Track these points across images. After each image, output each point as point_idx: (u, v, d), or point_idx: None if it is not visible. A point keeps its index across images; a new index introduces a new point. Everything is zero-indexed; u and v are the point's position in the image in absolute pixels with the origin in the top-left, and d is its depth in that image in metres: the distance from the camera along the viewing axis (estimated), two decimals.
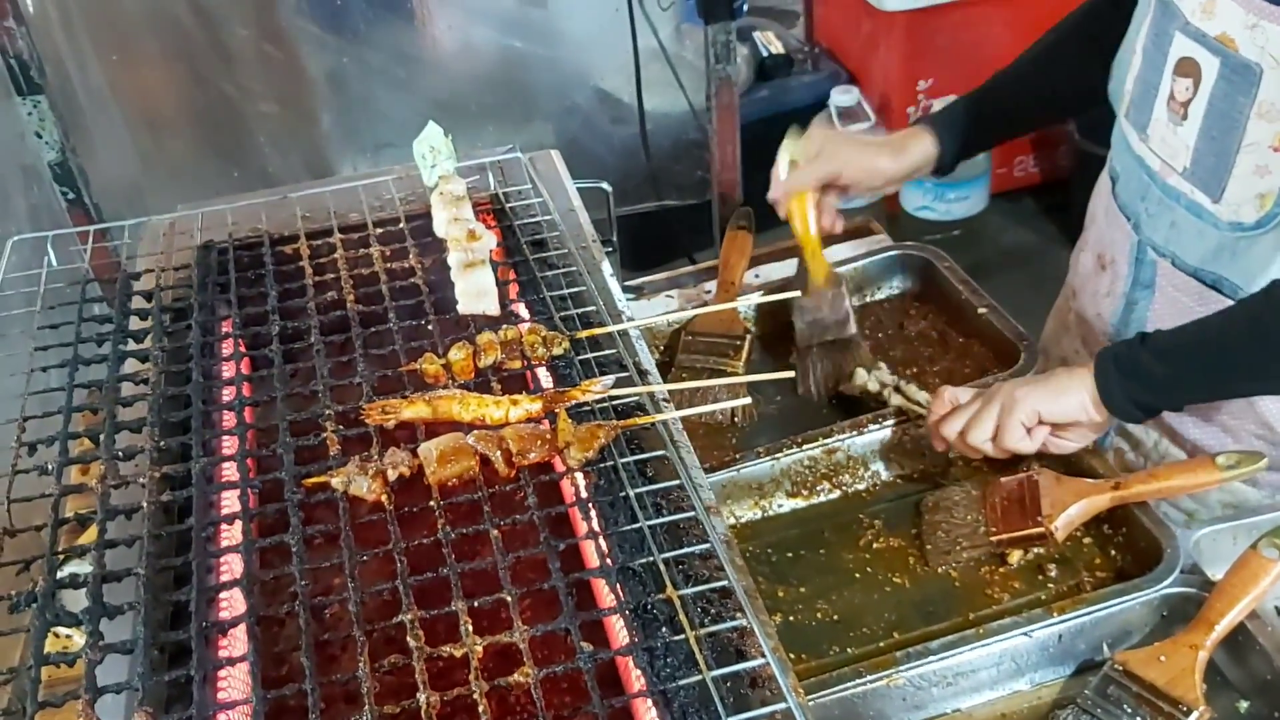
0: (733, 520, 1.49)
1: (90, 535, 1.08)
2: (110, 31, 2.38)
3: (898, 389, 1.56)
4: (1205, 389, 1.34)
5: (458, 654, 0.92)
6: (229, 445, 1.19)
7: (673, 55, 2.73)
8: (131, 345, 1.33)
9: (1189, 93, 1.26)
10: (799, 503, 1.51)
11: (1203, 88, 1.24)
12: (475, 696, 0.88)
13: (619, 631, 0.98)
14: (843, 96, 3.62)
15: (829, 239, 1.68)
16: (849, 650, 1.30)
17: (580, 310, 1.32)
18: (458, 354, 1.22)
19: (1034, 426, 1.35)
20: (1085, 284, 1.58)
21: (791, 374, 1.27)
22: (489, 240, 1.37)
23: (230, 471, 1.15)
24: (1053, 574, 1.36)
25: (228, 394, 1.25)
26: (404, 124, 1.49)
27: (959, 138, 1.60)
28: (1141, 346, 1.29)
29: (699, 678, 0.90)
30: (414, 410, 1.15)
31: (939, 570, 1.39)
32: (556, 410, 1.14)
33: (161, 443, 1.16)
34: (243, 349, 1.32)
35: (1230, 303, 1.30)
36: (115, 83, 2.43)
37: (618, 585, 0.99)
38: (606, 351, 1.27)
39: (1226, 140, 1.23)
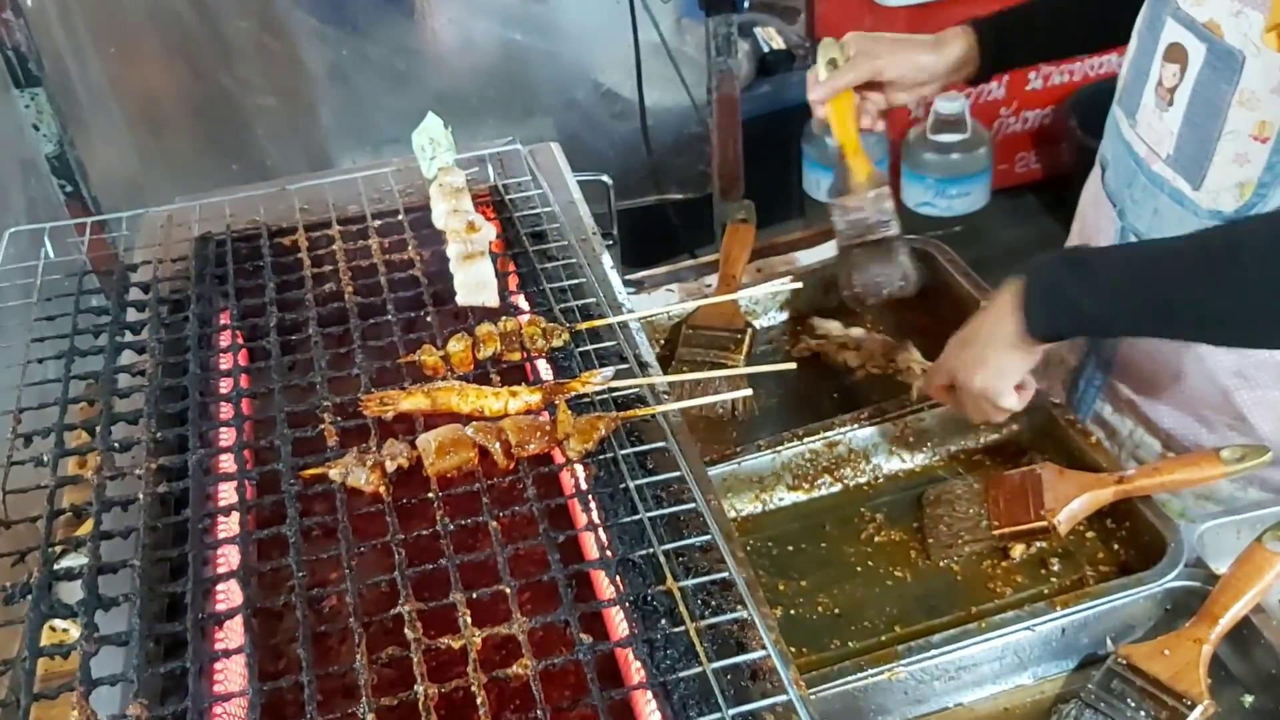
0: (733, 513, 1.48)
1: (86, 527, 1.07)
2: (109, 24, 2.38)
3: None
4: (1137, 324, 1.29)
5: (456, 645, 0.91)
6: (226, 437, 1.18)
7: (674, 50, 2.72)
8: (128, 337, 1.32)
9: (1176, 79, 1.26)
10: (800, 496, 1.50)
11: (1188, 74, 1.24)
12: (474, 689, 0.87)
13: (619, 624, 0.97)
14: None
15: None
16: (850, 644, 1.30)
17: (580, 302, 1.31)
18: (456, 345, 1.21)
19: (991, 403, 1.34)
20: None
21: (793, 365, 1.26)
22: (488, 232, 1.36)
23: (227, 463, 1.14)
24: (1055, 568, 1.35)
25: (225, 386, 1.24)
26: (404, 118, 1.48)
27: (1000, 43, 1.55)
28: (1070, 270, 1.22)
29: (699, 670, 0.89)
30: (412, 402, 1.14)
31: (941, 564, 1.38)
32: (556, 402, 1.13)
33: (158, 434, 1.15)
34: (240, 341, 1.31)
35: None
36: (114, 76, 2.42)
37: (617, 577, 0.98)
38: (606, 343, 1.26)
39: (1208, 127, 1.23)
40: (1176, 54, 1.26)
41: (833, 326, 1.70)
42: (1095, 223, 1.49)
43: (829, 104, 1.55)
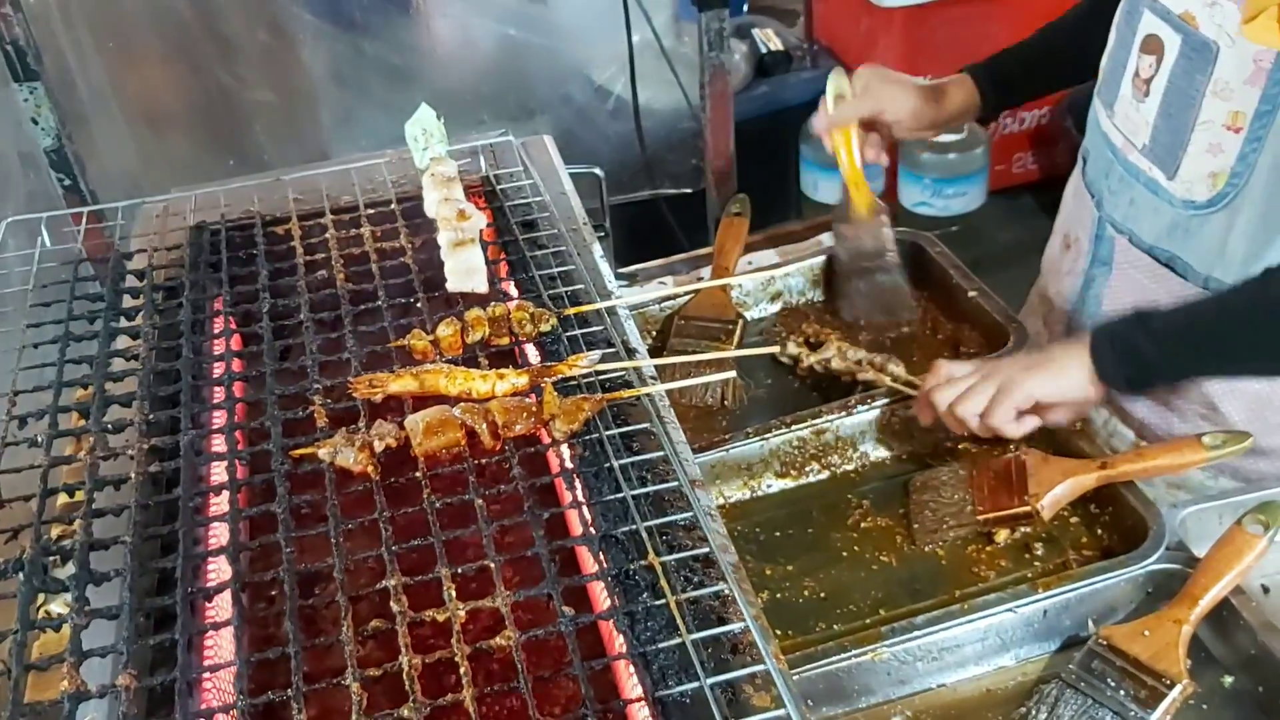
0: (722, 500, 1.49)
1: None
2: (108, 20, 2.40)
3: (879, 367, 1.56)
4: (1196, 369, 1.35)
5: (440, 619, 0.93)
6: (218, 418, 1.20)
7: (668, 49, 2.74)
8: (123, 322, 1.34)
9: (1152, 70, 1.28)
10: (788, 483, 1.52)
11: (1164, 64, 1.26)
12: (457, 659, 0.89)
13: (602, 598, 0.99)
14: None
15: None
16: (835, 627, 1.31)
17: (569, 289, 1.33)
18: (446, 330, 1.23)
19: (1026, 412, 1.35)
20: (1051, 265, 1.62)
21: (776, 349, 1.28)
22: (479, 220, 1.37)
23: (219, 444, 1.15)
24: (1039, 552, 1.36)
25: (217, 369, 1.26)
26: (400, 113, 1.50)
27: (998, 89, 1.62)
28: (1137, 325, 1.29)
29: (679, 641, 0.91)
30: (401, 384, 1.16)
31: (926, 549, 1.39)
32: (542, 384, 1.15)
33: (151, 416, 1.17)
34: (233, 326, 1.33)
35: (1184, 282, 1.33)
36: (112, 71, 2.44)
37: (600, 553, 0.99)
38: (594, 328, 1.27)
39: (1183, 117, 1.25)
40: (1153, 45, 1.28)
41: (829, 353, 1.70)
42: (1076, 213, 1.51)
43: (834, 135, 1.64)
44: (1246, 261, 1.26)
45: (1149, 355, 1.29)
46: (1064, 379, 1.33)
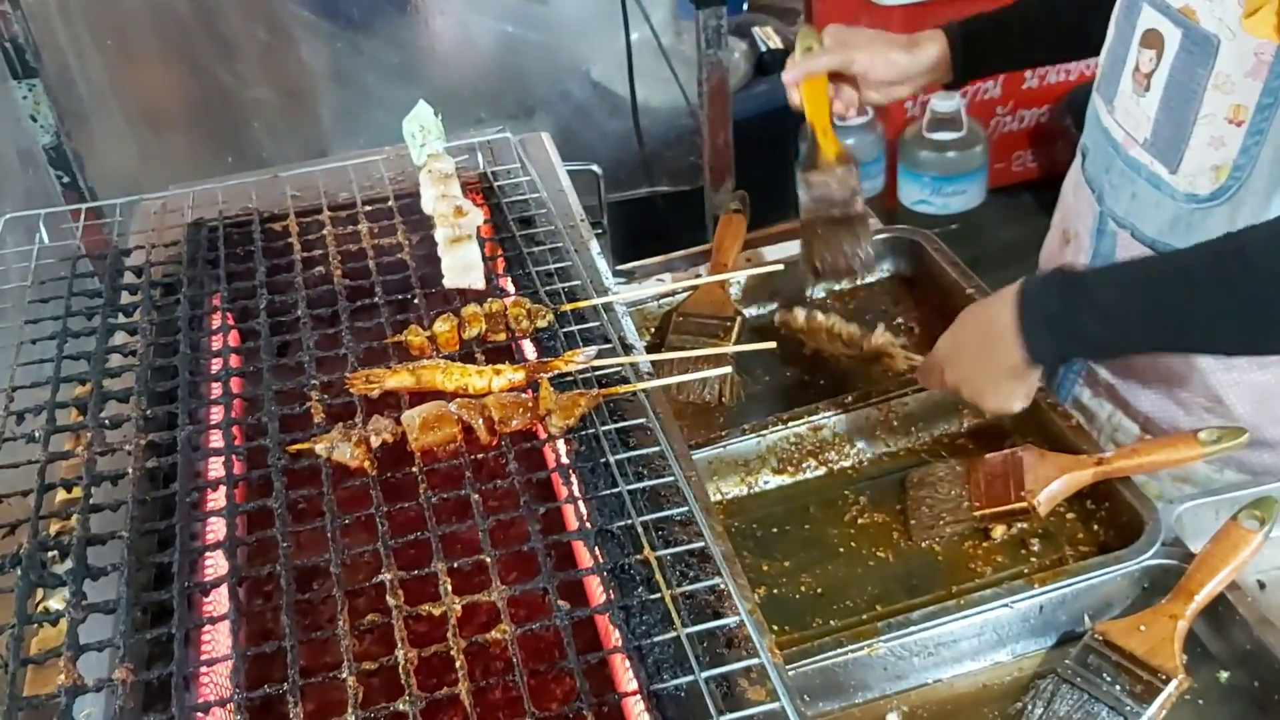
0: (719, 496, 1.50)
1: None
2: (107, 17, 2.39)
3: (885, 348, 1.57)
4: (1144, 347, 1.33)
5: (436, 612, 0.93)
6: (215, 414, 1.20)
7: (667, 47, 2.74)
8: (121, 319, 1.34)
9: (1152, 64, 1.28)
10: (785, 479, 1.52)
11: (1164, 59, 1.26)
12: (453, 653, 0.89)
13: (597, 592, 0.99)
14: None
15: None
16: (832, 622, 1.31)
17: (566, 285, 1.33)
18: (442, 326, 1.23)
19: None
20: (1049, 260, 1.62)
21: (773, 345, 1.27)
22: (476, 216, 1.37)
23: (216, 439, 1.16)
24: (1035, 548, 1.36)
25: (215, 365, 1.26)
26: (399, 111, 1.50)
27: (971, 51, 1.58)
28: (1078, 300, 1.21)
29: (674, 635, 0.91)
30: (398, 380, 1.16)
31: (922, 545, 1.39)
32: (539, 380, 1.15)
33: (148, 412, 1.17)
34: (231, 322, 1.33)
35: None
36: (111, 69, 2.44)
37: (596, 548, 1.00)
38: (591, 324, 1.28)
39: (1184, 111, 1.25)
40: (1153, 39, 1.28)
41: (798, 313, 1.70)
42: (1076, 210, 1.51)
43: (802, 85, 1.59)
44: None
45: (1090, 330, 1.21)
46: (1009, 402, 1.33)
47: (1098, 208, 1.43)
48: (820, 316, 1.68)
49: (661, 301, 1.81)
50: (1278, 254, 1.10)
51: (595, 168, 1.82)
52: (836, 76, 1.59)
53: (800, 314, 1.71)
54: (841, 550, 1.41)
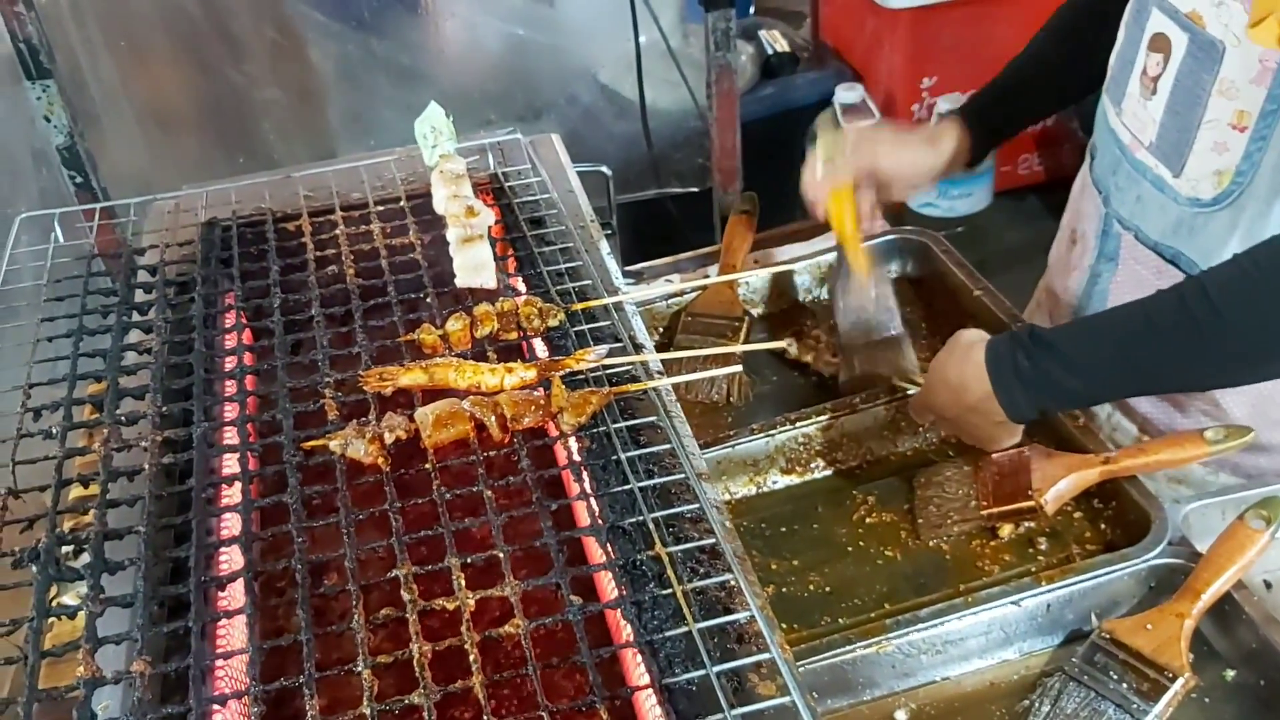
0: (727, 496, 1.50)
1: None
2: (119, 19, 2.42)
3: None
4: (1120, 395, 1.41)
5: (450, 607, 0.94)
6: (230, 411, 1.21)
7: (675, 50, 2.75)
8: (136, 317, 1.35)
9: (1159, 68, 1.29)
10: (793, 479, 1.53)
11: (1171, 63, 1.27)
12: (467, 647, 0.90)
13: (609, 588, 1.00)
14: (847, 94, 3.63)
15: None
16: (840, 620, 1.32)
17: (577, 284, 1.34)
18: (455, 325, 1.24)
19: None
20: (1057, 261, 1.63)
21: (783, 344, 1.28)
22: (487, 216, 1.39)
23: (231, 436, 1.17)
24: (1043, 547, 1.37)
25: (229, 363, 1.27)
26: (409, 113, 1.51)
27: (987, 126, 1.60)
28: (1047, 357, 1.26)
29: (685, 630, 0.92)
30: (411, 377, 1.17)
31: (930, 544, 1.40)
32: (551, 378, 1.16)
33: (164, 408, 1.19)
34: (244, 321, 1.34)
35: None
36: (124, 70, 2.46)
37: (608, 544, 1.01)
38: (602, 324, 1.29)
39: (1189, 116, 1.26)
40: (1160, 43, 1.29)
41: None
42: (1083, 210, 1.52)
43: (828, 200, 1.56)
44: None
45: (1066, 385, 1.28)
46: (1008, 441, 1.39)
47: (1104, 209, 1.44)
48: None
49: (670, 302, 1.82)
50: (1239, 291, 1.15)
51: (605, 169, 1.83)
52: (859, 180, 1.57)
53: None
54: (850, 549, 1.41)
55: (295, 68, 2.58)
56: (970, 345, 1.34)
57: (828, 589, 1.37)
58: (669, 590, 0.95)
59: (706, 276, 1.90)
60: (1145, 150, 1.34)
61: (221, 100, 2.57)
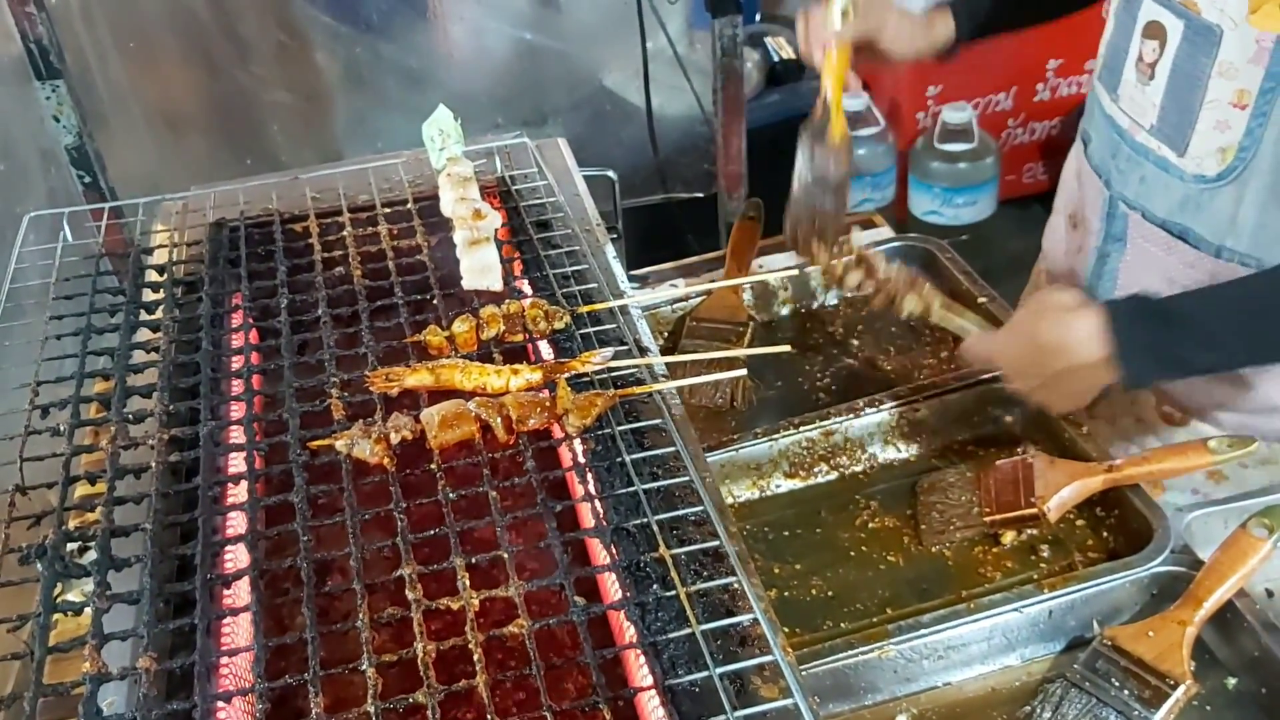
0: (731, 500, 1.51)
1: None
2: (129, 20, 2.43)
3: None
4: (1245, 365, 1.37)
5: (455, 606, 0.94)
6: (236, 410, 1.21)
7: (681, 56, 2.76)
8: (143, 316, 1.36)
9: (1155, 54, 1.32)
10: (796, 483, 1.53)
11: (1168, 49, 1.30)
12: (471, 646, 0.90)
13: (613, 589, 1.00)
14: (852, 101, 3.64)
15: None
16: (842, 625, 1.32)
17: (582, 287, 1.34)
18: (461, 326, 1.25)
19: None
20: (1055, 245, 1.65)
21: (788, 348, 1.28)
22: (494, 219, 1.39)
23: (237, 434, 1.17)
24: (1045, 554, 1.37)
25: (236, 362, 1.28)
26: (416, 116, 1.52)
27: (975, 18, 1.59)
28: (1181, 331, 1.25)
29: (689, 631, 0.92)
30: (417, 378, 1.18)
31: (933, 550, 1.40)
32: (556, 380, 1.16)
33: (171, 407, 1.19)
34: (252, 321, 1.35)
35: (1197, 252, 1.35)
36: (132, 70, 2.47)
37: (612, 545, 1.01)
38: (607, 326, 1.29)
39: (1190, 98, 1.29)
40: (1155, 30, 1.32)
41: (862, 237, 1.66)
42: (1082, 194, 1.55)
43: (831, 50, 1.52)
44: (1257, 230, 1.29)
45: (1192, 358, 1.28)
46: (1080, 404, 1.37)
47: (1106, 192, 1.46)
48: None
49: (675, 306, 1.82)
50: None
51: (611, 173, 1.84)
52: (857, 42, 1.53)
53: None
54: (852, 554, 1.42)
55: (303, 70, 2.59)
56: (1070, 310, 1.30)
57: (830, 593, 1.37)
58: (672, 592, 0.96)
59: (712, 282, 1.91)
60: (1146, 133, 1.37)
61: (230, 102, 2.57)
